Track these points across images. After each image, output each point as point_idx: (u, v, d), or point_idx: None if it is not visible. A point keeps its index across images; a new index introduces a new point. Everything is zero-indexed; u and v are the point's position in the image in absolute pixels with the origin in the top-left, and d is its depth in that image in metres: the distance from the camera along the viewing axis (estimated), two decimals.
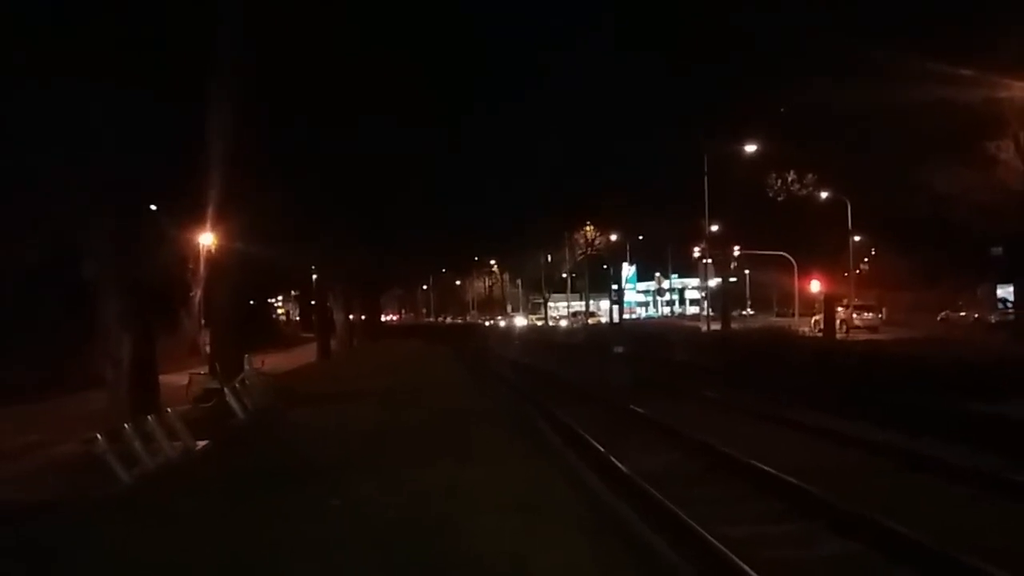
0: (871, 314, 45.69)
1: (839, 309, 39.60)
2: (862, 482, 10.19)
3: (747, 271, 69.68)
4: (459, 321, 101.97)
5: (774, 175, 35.34)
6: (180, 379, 19.59)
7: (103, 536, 8.82)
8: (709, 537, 7.67)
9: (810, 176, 35.19)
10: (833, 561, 7.53)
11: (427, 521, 8.61)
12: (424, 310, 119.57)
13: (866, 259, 58.38)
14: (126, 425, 12.59)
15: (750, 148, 36.40)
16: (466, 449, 12.70)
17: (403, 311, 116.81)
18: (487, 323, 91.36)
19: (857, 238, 47.91)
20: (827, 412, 15.18)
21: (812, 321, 43.66)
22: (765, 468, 10.44)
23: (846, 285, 45.44)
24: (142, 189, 16.86)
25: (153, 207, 20.04)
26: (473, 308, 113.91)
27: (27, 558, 8.04)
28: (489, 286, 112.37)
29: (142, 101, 15.22)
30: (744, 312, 74.29)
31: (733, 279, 55.53)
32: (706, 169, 40.78)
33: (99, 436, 11.84)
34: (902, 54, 23.80)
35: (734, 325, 45.89)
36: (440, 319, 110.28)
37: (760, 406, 16.66)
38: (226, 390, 16.81)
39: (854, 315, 43.76)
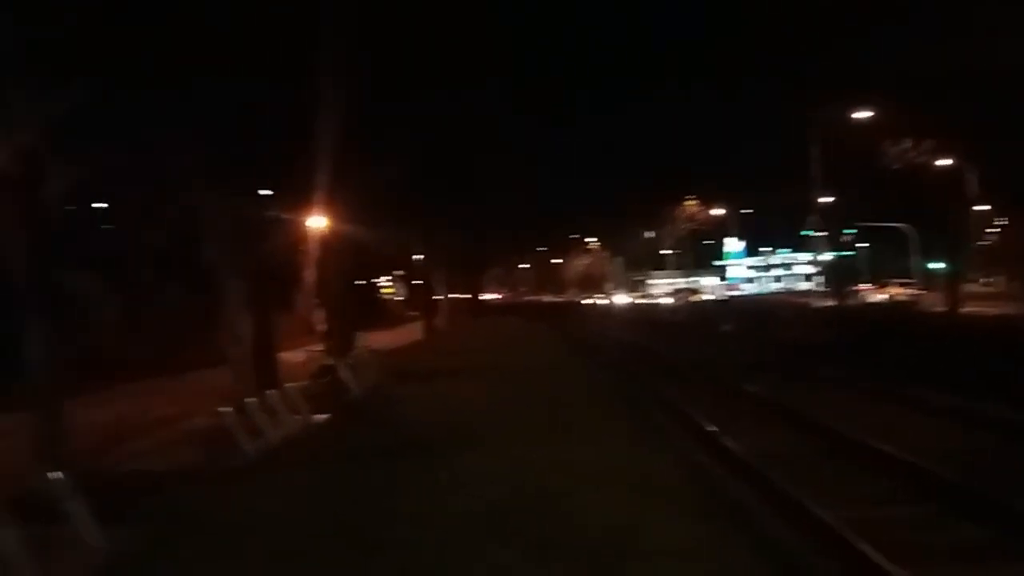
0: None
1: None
2: (991, 463, 9.66)
3: (861, 244, 66.65)
4: (559, 300, 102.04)
5: (889, 142, 33.63)
6: (296, 356, 20.42)
7: (234, 502, 9.43)
8: (826, 516, 7.40)
9: (928, 142, 33.31)
10: (962, 546, 7.18)
11: (536, 494, 8.75)
12: (524, 288, 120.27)
13: (990, 230, 54.87)
14: (249, 400, 13.22)
15: (863, 115, 34.65)
16: (573, 427, 12.79)
17: (505, 289, 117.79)
18: (586, 301, 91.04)
19: (983, 208, 45.16)
20: (950, 391, 14.39)
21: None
22: (885, 449, 10.00)
23: (970, 258, 42.97)
24: (257, 174, 17.51)
25: (267, 191, 20.78)
26: (573, 286, 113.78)
27: (171, 520, 8.65)
28: (589, 264, 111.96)
29: (257, 87, 15.82)
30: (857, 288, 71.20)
31: (849, 253, 53.29)
32: (816, 138, 39.13)
33: (227, 409, 12.48)
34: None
35: (849, 301, 44.06)
36: (540, 297, 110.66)
37: (880, 386, 15.97)
38: (340, 367, 17.39)
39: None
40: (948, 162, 34.18)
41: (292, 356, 20.41)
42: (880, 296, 47.41)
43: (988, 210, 48.61)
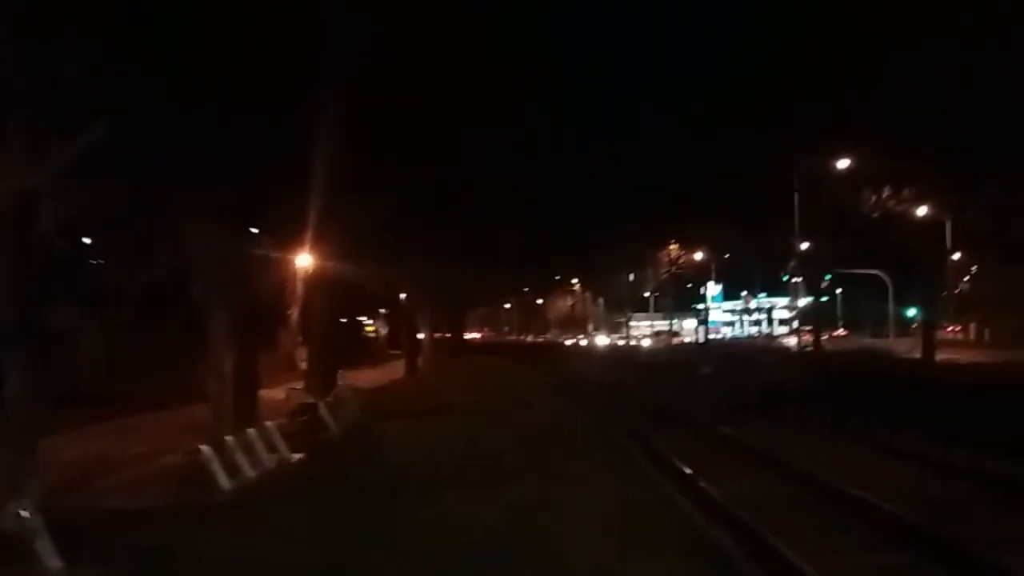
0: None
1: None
2: (967, 512, 9.82)
3: (839, 290, 67.53)
4: (540, 340, 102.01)
5: (868, 191, 34.30)
6: (279, 394, 20.29)
7: (206, 542, 9.23)
8: (802, 565, 7.52)
9: (907, 191, 34.03)
10: None
11: (520, 533, 8.75)
12: (507, 328, 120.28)
13: (966, 278, 55.76)
14: (228, 437, 13.16)
15: (843, 163, 35.36)
16: (551, 467, 12.78)
17: (486, 329, 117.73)
18: (568, 342, 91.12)
19: (956, 256, 45.93)
20: (927, 438, 14.62)
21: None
22: (861, 496, 10.15)
23: (945, 305, 43.53)
24: (245, 213, 17.60)
25: (254, 229, 20.86)
26: (555, 327, 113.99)
27: (139, 561, 8.49)
28: (571, 305, 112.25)
29: (250, 125, 15.97)
30: (836, 333, 71.81)
31: (824, 298, 53.84)
32: (796, 185, 39.79)
33: (202, 447, 12.42)
34: (1003, 60, 22.94)
35: (827, 346, 44.42)
36: (522, 337, 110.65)
37: (857, 430, 16.18)
38: (320, 405, 17.37)
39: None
40: (924, 211, 34.87)
41: (274, 393, 20.28)
42: (791, 341, 46.79)
43: (961, 259, 49.43)
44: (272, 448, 14.22)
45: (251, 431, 13.91)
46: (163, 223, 16.32)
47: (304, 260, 21.22)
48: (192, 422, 16.61)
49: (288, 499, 11.53)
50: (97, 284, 22.49)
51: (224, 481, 12.15)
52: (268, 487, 12.46)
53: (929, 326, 34.27)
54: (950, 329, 50.78)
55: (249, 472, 12.96)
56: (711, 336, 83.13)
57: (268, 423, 15.00)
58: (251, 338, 16.90)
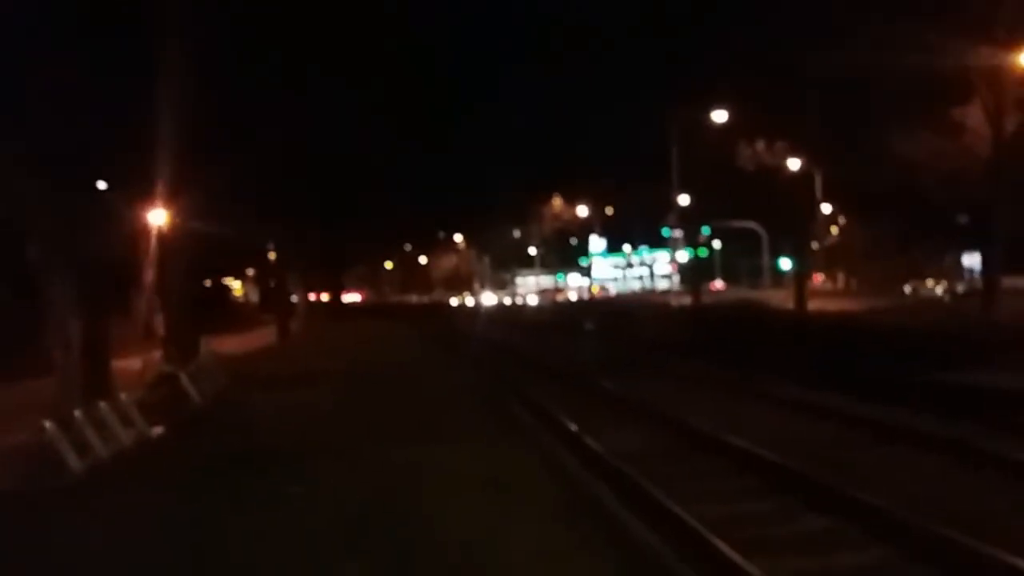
0: None
1: None
2: (837, 455, 9.90)
3: (716, 243, 69.62)
4: (424, 300, 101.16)
5: (744, 143, 34.98)
6: (135, 363, 18.88)
7: (48, 530, 8.49)
8: (687, 516, 7.36)
9: (779, 144, 34.89)
10: (811, 537, 7.21)
11: (392, 506, 8.33)
12: (388, 289, 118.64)
13: (834, 229, 58.60)
14: (76, 412, 12.00)
15: (719, 116, 35.89)
16: (433, 430, 12.37)
17: (367, 290, 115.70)
18: (454, 301, 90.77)
19: (827, 208, 47.97)
20: (801, 385, 14.91)
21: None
22: (738, 444, 10.15)
23: (816, 257, 45.46)
24: (86, 164, 16.09)
25: (103, 184, 19.20)
26: (440, 286, 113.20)
27: None
28: (455, 264, 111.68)
29: (85, 69, 14.48)
30: (714, 285, 74.32)
31: (704, 251, 55.38)
32: (675, 139, 40.29)
33: (47, 424, 11.25)
34: (869, 18, 23.45)
35: (705, 299, 45.70)
36: (405, 298, 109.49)
37: (734, 380, 16.40)
38: (181, 375, 16.17)
39: None
40: (798, 164, 35.91)
41: (130, 363, 18.83)
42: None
43: (831, 212, 51.75)
44: (128, 423, 13.09)
45: (103, 405, 12.74)
46: None
47: (158, 217, 19.67)
48: (40, 397, 15.24)
49: (144, 479, 10.75)
50: None
51: (74, 461, 11.15)
52: (123, 466, 11.58)
53: (801, 277, 35.58)
54: (820, 279, 53.28)
55: (102, 450, 11.94)
56: (604, 293, 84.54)
57: (123, 396, 13.82)
58: (100, 303, 15.58)
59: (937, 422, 11.15)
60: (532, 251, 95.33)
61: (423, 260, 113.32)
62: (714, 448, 10.57)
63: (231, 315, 47.02)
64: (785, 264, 53.37)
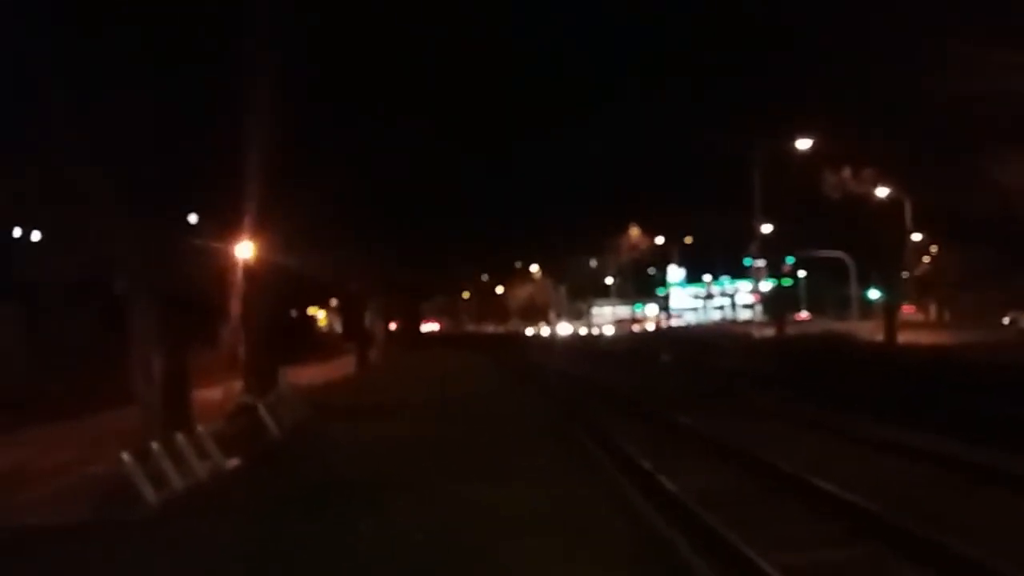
0: None
1: None
2: (932, 500, 9.25)
3: (801, 272, 67.57)
4: (501, 330, 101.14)
5: (829, 171, 33.96)
6: (218, 394, 19.26)
7: (122, 564, 8.51)
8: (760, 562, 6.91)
9: (867, 171, 33.74)
10: None
11: (464, 545, 8.12)
12: (465, 318, 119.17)
13: (925, 258, 56.13)
14: (154, 444, 12.18)
15: (804, 144, 34.91)
16: (506, 466, 12.14)
17: (445, 320, 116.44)
18: (529, 331, 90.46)
19: (917, 236, 45.99)
20: (893, 423, 14.10)
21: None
22: (824, 487, 9.56)
23: (906, 286, 43.53)
24: (175, 197, 16.54)
25: (193, 218, 19.79)
26: (515, 316, 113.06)
27: None
28: (530, 292, 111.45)
29: (177, 107, 14.92)
30: (799, 316, 71.93)
31: (788, 282, 53.79)
32: (758, 166, 39.33)
33: (125, 456, 11.43)
34: (963, 42, 22.55)
35: (789, 330, 44.22)
36: (481, 327, 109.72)
37: (821, 417, 15.66)
38: (260, 405, 16.35)
39: None
40: (886, 191, 34.65)
41: (213, 394, 19.20)
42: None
43: (921, 239, 49.62)
44: (205, 455, 13.22)
45: (180, 437, 12.90)
46: (83, 206, 15.19)
47: (245, 250, 20.10)
48: (121, 427, 15.61)
49: (216, 512, 10.67)
50: (16, 278, 21.25)
51: (149, 493, 11.23)
52: (197, 499, 11.57)
53: (890, 308, 34.14)
54: (911, 310, 51.04)
55: (177, 482, 12.01)
56: (674, 322, 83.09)
57: (201, 427, 14.00)
58: (183, 334, 15.86)
59: None
60: (609, 281, 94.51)
61: (500, 290, 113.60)
62: (797, 489, 10.01)
63: (314, 345, 47.91)
64: (873, 294, 51.39)
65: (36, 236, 24.39)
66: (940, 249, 52.75)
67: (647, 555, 7.49)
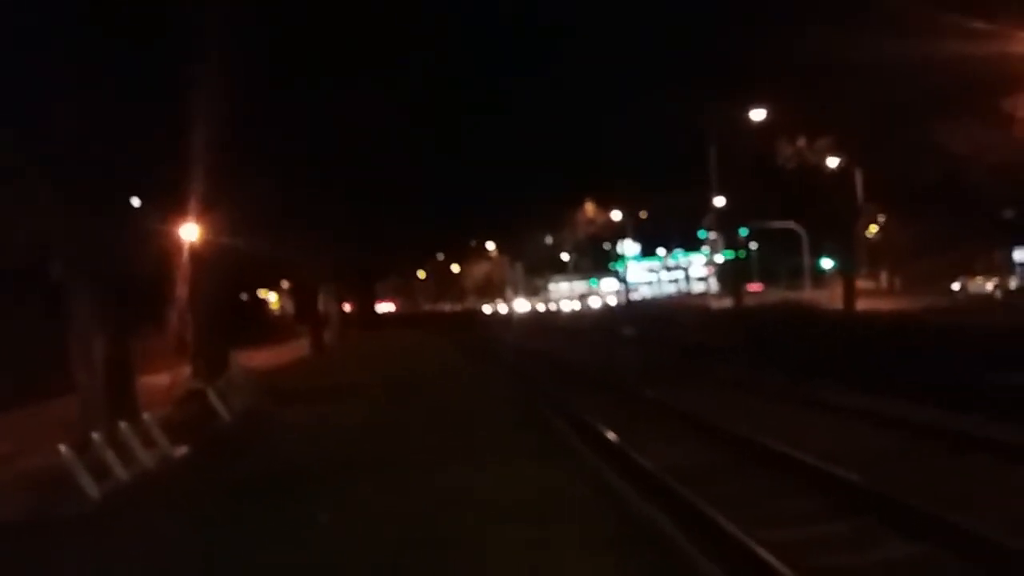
0: None
1: None
2: (915, 469, 9.03)
3: (753, 244, 68.05)
4: (458, 308, 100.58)
5: (784, 141, 33.90)
6: (165, 380, 18.52)
7: (60, 562, 8.02)
8: (749, 542, 6.58)
9: (821, 140, 33.76)
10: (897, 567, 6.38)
11: (429, 536, 7.62)
12: (421, 298, 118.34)
13: (873, 226, 56.83)
14: (95, 434, 11.51)
15: (758, 114, 34.77)
16: (470, 448, 11.62)
17: (401, 300, 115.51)
18: (487, 309, 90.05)
19: (868, 206, 46.42)
20: (863, 391, 13.95)
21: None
22: (801, 457, 9.30)
23: (859, 255, 44.00)
24: (112, 180, 15.72)
25: (135, 200, 18.91)
26: (472, 294, 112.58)
27: None
28: (488, 271, 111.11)
29: (114, 83, 14.13)
30: (751, 287, 72.56)
31: (742, 253, 54.06)
32: (712, 140, 39.21)
33: (63, 448, 10.76)
34: (914, 5, 22.43)
35: (745, 301, 44.46)
36: (438, 307, 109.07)
37: (785, 386, 15.50)
38: (209, 390, 15.67)
39: None
40: (837, 161, 34.75)
41: (160, 380, 18.47)
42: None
43: (871, 208, 50.16)
44: (151, 443, 12.57)
45: (124, 425, 12.24)
46: (12, 194, 14.31)
47: (190, 232, 19.29)
48: (64, 417, 14.90)
49: (162, 505, 10.12)
50: None
51: (90, 486, 10.60)
52: (143, 491, 10.98)
53: (848, 276, 34.38)
54: (862, 278, 51.71)
55: (122, 473, 11.40)
56: (632, 296, 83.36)
57: (148, 414, 13.37)
58: (125, 320, 15.12)
59: (1016, 428, 10.16)
60: (565, 257, 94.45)
61: (455, 269, 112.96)
62: (773, 462, 9.73)
63: (266, 328, 46.95)
64: (826, 264, 51.90)
65: None
66: (889, 218, 53.50)
67: (629, 537, 7.07)
